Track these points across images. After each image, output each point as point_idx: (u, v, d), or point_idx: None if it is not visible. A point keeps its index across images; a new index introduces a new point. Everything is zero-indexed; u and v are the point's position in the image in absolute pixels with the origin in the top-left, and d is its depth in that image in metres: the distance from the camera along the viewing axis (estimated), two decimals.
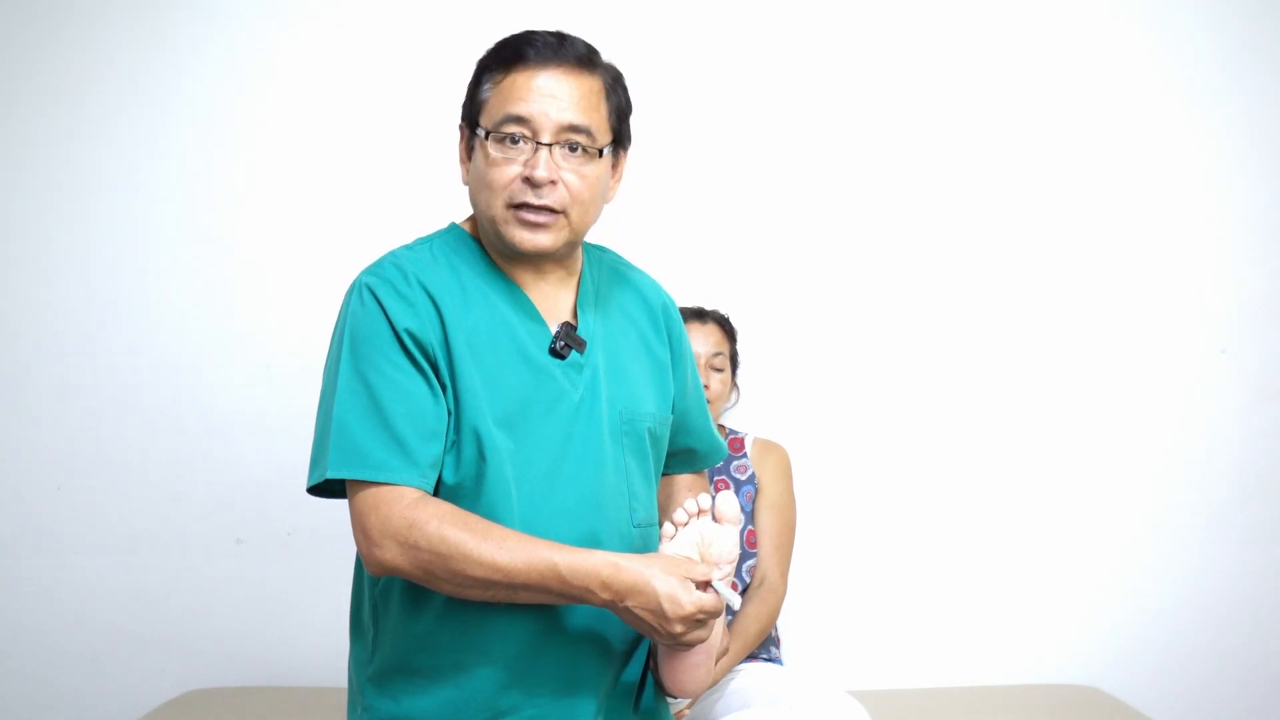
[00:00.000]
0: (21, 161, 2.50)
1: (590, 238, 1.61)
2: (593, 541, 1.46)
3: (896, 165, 2.52)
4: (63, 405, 2.49)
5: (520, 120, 1.44)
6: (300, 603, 2.47)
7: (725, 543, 1.45)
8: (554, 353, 1.51)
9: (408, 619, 1.47)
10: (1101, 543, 2.53)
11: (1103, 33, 2.53)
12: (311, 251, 2.46)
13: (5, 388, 2.50)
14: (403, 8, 2.49)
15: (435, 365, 1.45)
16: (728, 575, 1.46)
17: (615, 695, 1.54)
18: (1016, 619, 2.52)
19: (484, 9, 2.44)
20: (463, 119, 1.53)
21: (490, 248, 1.54)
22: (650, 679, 1.59)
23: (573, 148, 1.46)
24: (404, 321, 1.43)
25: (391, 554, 1.39)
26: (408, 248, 1.53)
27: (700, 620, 1.40)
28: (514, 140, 1.45)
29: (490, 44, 1.51)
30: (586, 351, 1.53)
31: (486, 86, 1.48)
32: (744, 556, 2.21)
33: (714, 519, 1.47)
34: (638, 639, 1.55)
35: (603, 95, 1.49)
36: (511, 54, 1.46)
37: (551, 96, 1.44)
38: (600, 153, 1.48)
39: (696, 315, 2.28)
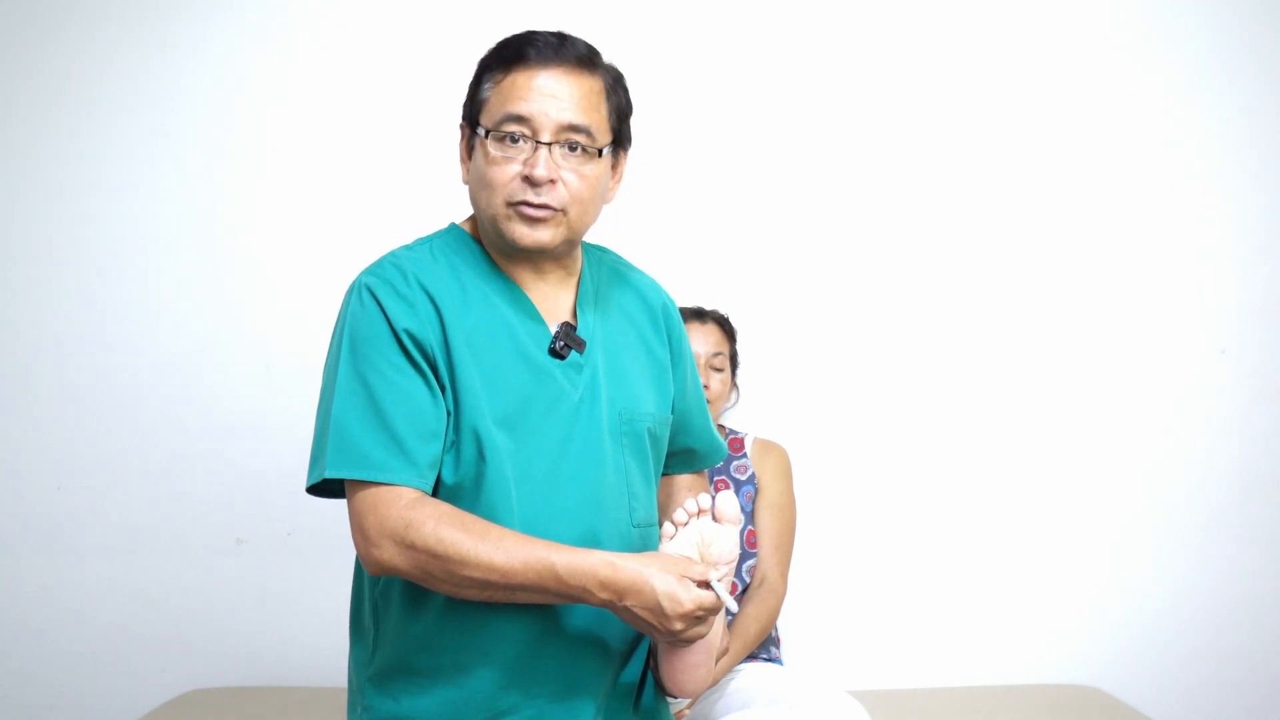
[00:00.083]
0: (22, 162, 2.50)
1: (590, 238, 1.61)
2: (592, 541, 1.46)
3: (896, 165, 2.52)
4: (63, 405, 2.49)
5: (520, 119, 1.44)
6: (300, 603, 2.47)
7: (725, 543, 1.45)
8: (553, 353, 1.51)
9: (408, 619, 1.47)
10: (1101, 543, 2.53)
11: (1103, 33, 2.53)
12: (312, 251, 2.47)
13: (5, 388, 2.50)
14: (403, 8, 2.49)
15: (434, 365, 1.45)
16: (726, 576, 1.46)
17: (615, 695, 1.54)
18: (1016, 619, 2.52)
19: (484, 9, 2.44)
20: (463, 119, 1.53)
21: (490, 247, 1.54)
22: (650, 679, 1.59)
23: (572, 147, 1.46)
24: (403, 322, 1.43)
25: (389, 554, 1.39)
26: (407, 248, 1.53)
27: (700, 617, 1.40)
28: (514, 139, 1.45)
29: (491, 44, 1.51)
30: (586, 351, 1.53)
31: (487, 86, 1.48)
32: (744, 556, 2.21)
33: (714, 519, 1.47)
34: (637, 639, 1.55)
35: (603, 95, 1.49)
36: (512, 54, 1.47)
37: (552, 96, 1.45)
38: (600, 153, 1.48)
39: (696, 315, 2.28)
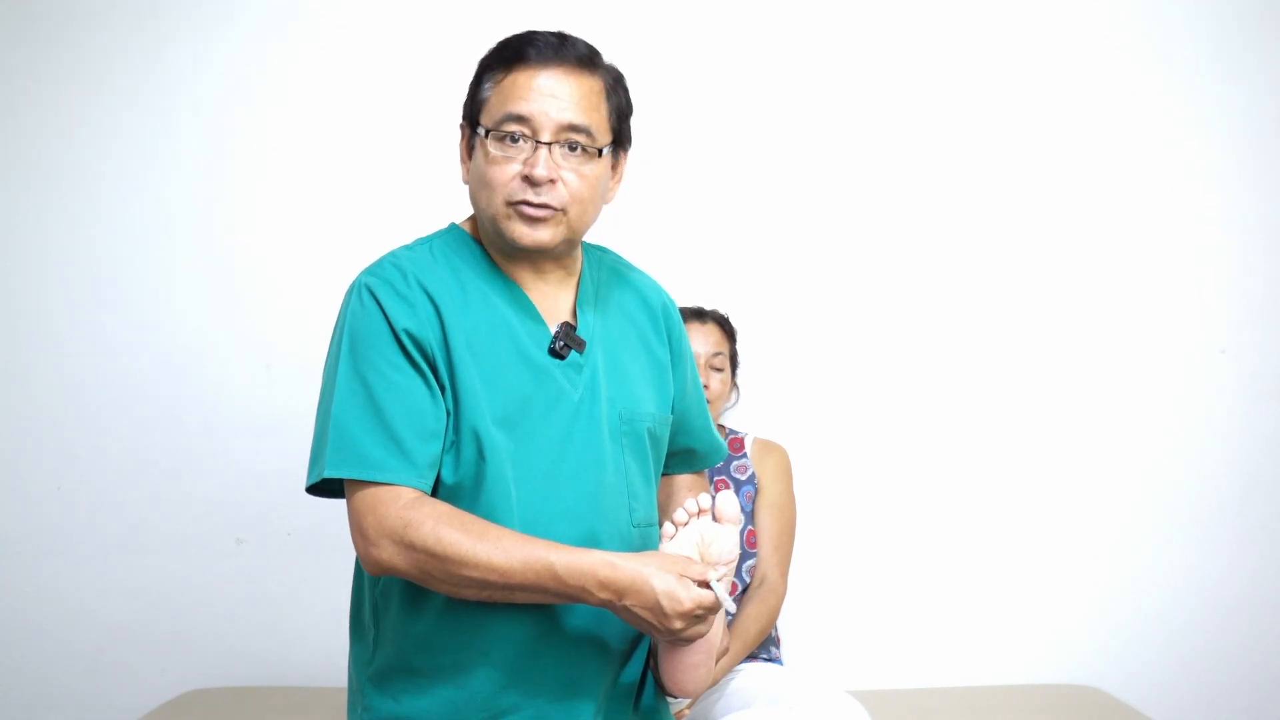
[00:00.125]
0: (23, 162, 2.50)
1: (590, 238, 1.61)
2: (592, 541, 1.46)
3: (896, 165, 2.52)
4: (63, 405, 2.49)
5: (520, 119, 1.45)
6: (300, 603, 2.47)
7: (725, 542, 1.45)
8: (553, 353, 1.51)
9: (408, 619, 1.47)
10: (1101, 543, 2.53)
11: (1103, 33, 2.53)
12: (312, 251, 2.47)
13: (6, 388, 2.50)
14: (403, 8, 2.49)
15: (434, 365, 1.45)
16: (725, 576, 1.46)
17: (615, 695, 1.54)
18: (1016, 619, 2.52)
19: (484, 9, 2.43)
20: (464, 118, 1.53)
21: (490, 246, 1.54)
22: (650, 679, 1.59)
23: (572, 147, 1.46)
24: (403, 322, 1.43)
25: (388, 554, 1.39)
26: (407, 248, 1.53)
27: (699, 616, 1.40)
28: (514, 139, 1.45)
29: (491, 44, 1.51)
30: (586, 351, 1.53)
31: (487, 85, 1.48)
32: (744, 556, 2.21)
33: (714, 519, 1.47)
34: (637, 639, 1.55)
35: (603, 96, 1.49)
36: (513, 54, 1.47)
37: (552, 96, 1.45)
38: (600, 152, 1.48)
39: (696, 315, 2.28)
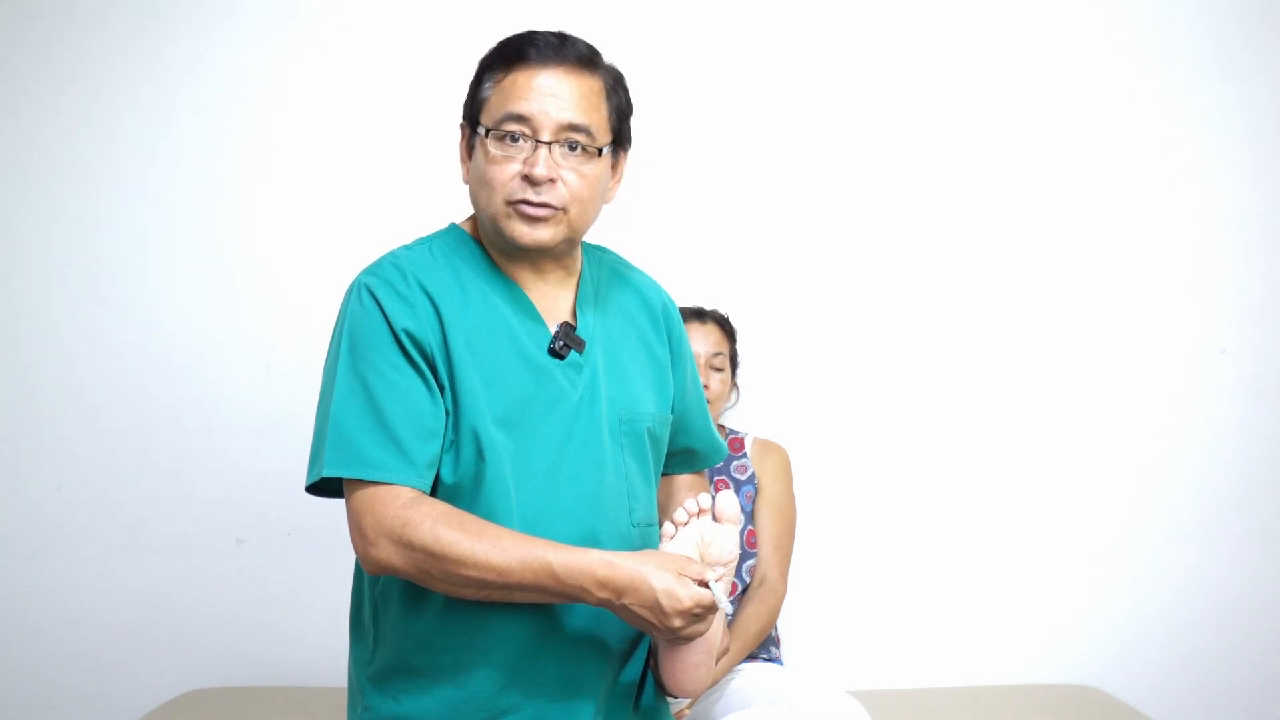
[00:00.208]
0: (23, 162, 2.50)
1: (590, 238, 1.61)
2: (592, 541, 1.46)
3: (896, 165, 2.52)
4: (63, 405, 2.49)
5: (520, 118, 1.45)
6: (300, 603, 2.47)
7: (725, 542, 1.45)
8: (553, 353, 1.51)
9: (407, 619, 1.47)
10: (1101, 542, 2.53)
11: (1103, 32, 2.53)
12: (312, 251, 2.47)
13: (5, 388, 2.50)
14: (403, 8, 2.49)
15: (433, 365, 1.45)
16: (725, 576, 1.46)
17: (615, 695, 1.54)
18: (1016, 619, 2.52)
19: (484, 9, 2.43)
20: (464, 118, 1.53)
21: (490, 246, 1.54)
22: (650, 679, 1.59)
23: (572, 146, 1.46)
24: (402, 321, 1.43)
25: (387, 553, 1.39)
26: (407, 248, 1.53)
27: (699, 615, 1.40)
28: (514, 138, 1.45)
29: (491, 44, 1.51)
30: (586, 351, 1.53)
31: (487, 85, 1.48)
32: (744, 556, 2.21)
33: (714, 519, 1.47)
34: (637, 639, 1.55)
35: (603, 95, 1.50)
36: (513, 53, 1.47)
37: (552, 95, 1.45)
38: (599, 152, 1.49)
39: (696, 315, 2.28)
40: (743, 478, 2.27)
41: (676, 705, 1.83)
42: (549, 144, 1.45)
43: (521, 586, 1.38)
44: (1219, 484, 2.53)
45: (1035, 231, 2.53)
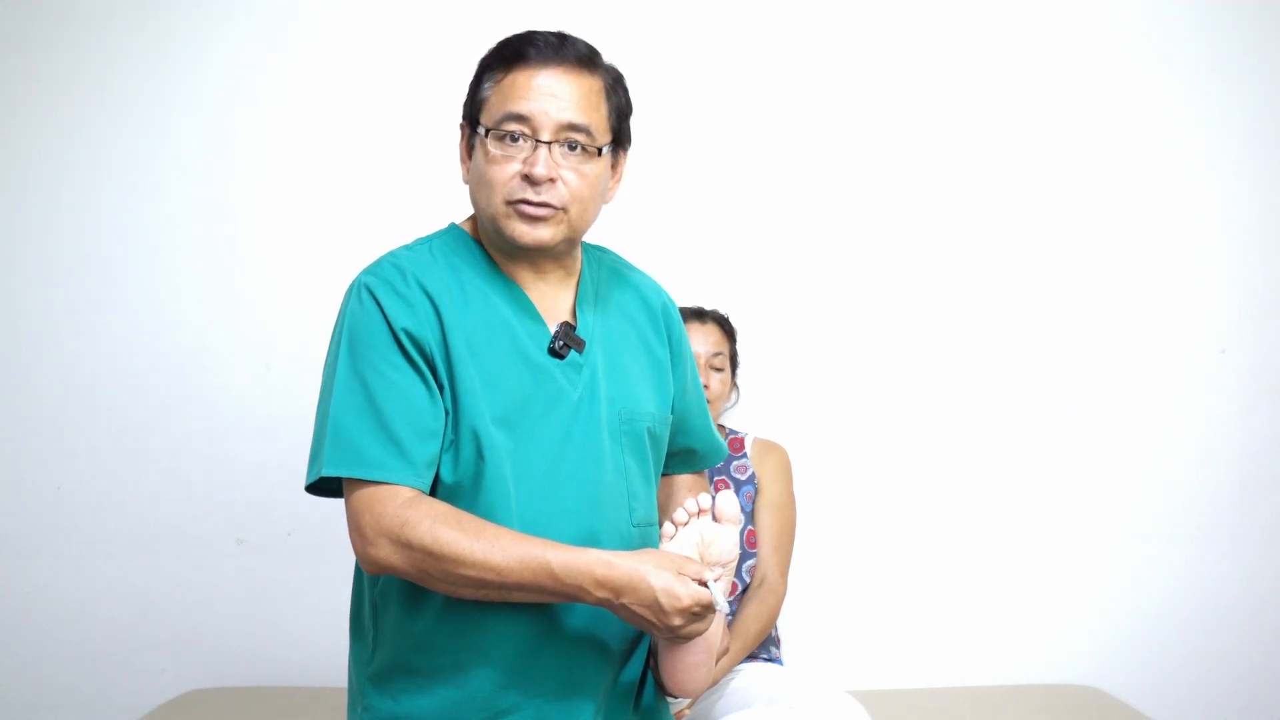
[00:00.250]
0: (23, 162, 2.50)
1: (590, 238, 1.61)
2: (591, 541, 1.46)
3: (896, 165, 2.52)
4: (63, 405, 2.49)
5: (520, 118, 1.45)
6: (300, 603, 2.47)
7: (725, 543, 1.45)
8: (553, 352, 1.51)
9: (407, 619, 1.47)
10: (1101, 542, 2.53)
11: (1103, 32, 2.53)
12: (312, 251, 2.47)
13: (5, 387, 2.50)
14: (403, 8, 2.49)
15: (433, 365, 1.45)
16: (724, 578, 1.46)
17: (615, 695, 1.54)
18: (1016, 619, 2.52)
19: (484, 9, 2.43)
20: (463, 118, 1.53)
21: (490, 246, 1.54)
22: (650, 678, 1.59)
23: (572, 146, 1.46)
24: (402, 321, 1.43)
25: (385, 553, 1.39)
26: (407, 248, 1.53)
27: (698, 614, 1.40)
28: (513, 138, 1.45)
29: (491, 44, 1.51)
30: (586, 351, 1.53)
31: (487, 85, 1.48)
32: (744, 556, 2.21)
33: (714, 519, 1.47)
34: (637, 639, 1.55)
35: (603, 95, 1.50)
36: (513, 53, 1.47)
37: (552, 95, 1.45)
38: (599, 151, 1.49)
39: (696, 315, 2.28)
40: (743, 478, 2.27)
41: (676, 705, 1.83)
42: (549, 144, 1.45)
43: (520, 586, 1.38)
44: (1219, 484, 2.53)
45: (1035, 231, 2.53)
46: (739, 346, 2.36)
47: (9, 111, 2.50)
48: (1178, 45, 2.53)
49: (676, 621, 1.38)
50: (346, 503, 1.43)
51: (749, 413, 2.45)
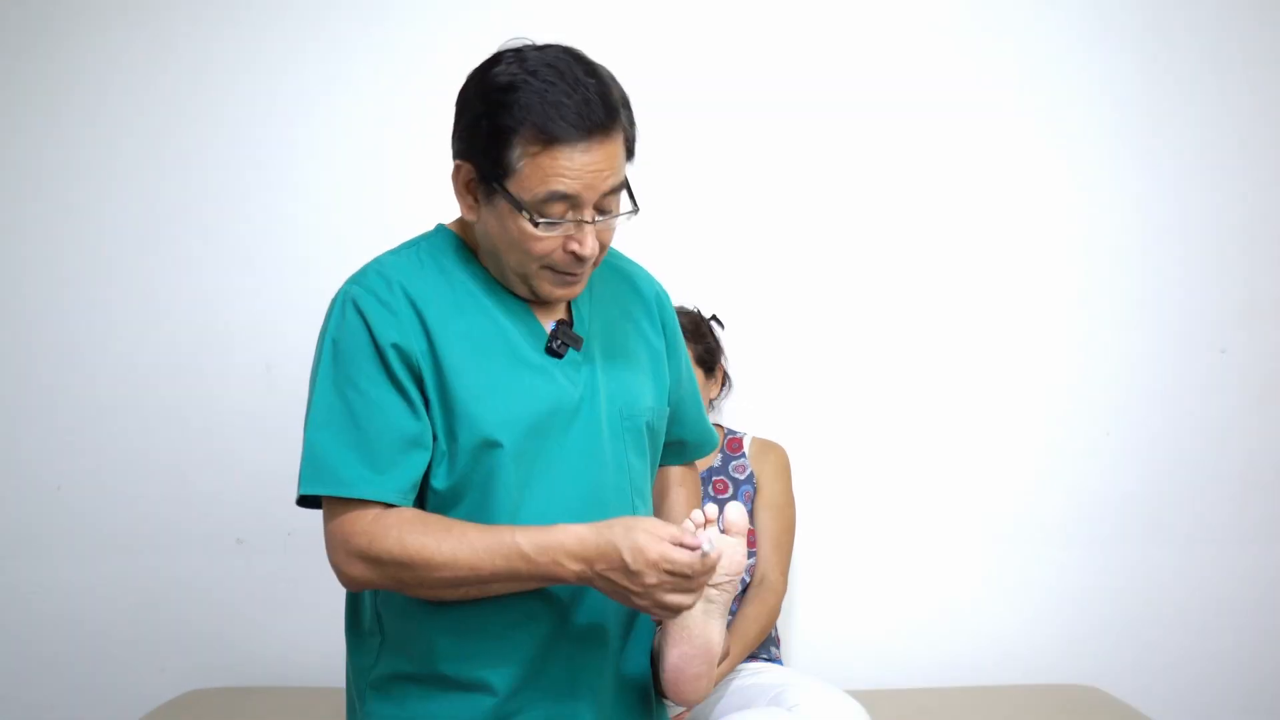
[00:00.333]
0: (23, 163, 2.50)
1: None
2: None
3: (894, 165, 2.52)
4: (63, 405, 2.49)
5: (564, 197, 1.38)
6: (300, 603, 2.47)
7: (733, 554, 1.43)
8: (551, 352, 1.50)
9: (411, 623, 1.47)
10: (1101, 542, 2.53)
11: (1100, 31, 2.52)
12: (312, 251, 2.46)
13: (5, 388, 2.50)
14: (403, 7, 2.49)
15: (420, 376, 1.43)
16: (729, 585, 1.45)
17: (616, 695, 1.54)
18: (1016, 619, 2.52)
19: (484, 8, 2.43)
20: (463, 159, 1.44)
21: (486, 257, 1.51)
22: (650, 679, 1.59)
23: (607, 210, 1.42)
24: (386, 334, 1.42)
25: (359, 570, 1.40)
26: (394, 253, 1.51)
27: (680, 583, 1.35)
28: (559, 218, 1.40)
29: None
30: (584, 348, 1.52)
31: (516, 153, 1.37)
32: None
33: (721, 530, 1.44)
34: (632, 627, 1.54)
35: (624, 142, 1.44)
36: (543, 123, 1.36)
37: (595, 172, 1.38)
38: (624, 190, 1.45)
39: None
40: (741, 477, 2.27)
41: (676, 709, 1.83)
42: (594, 219, 1.41)
43: (496, 576, 1.37)
44: (1219, 484, 2.53)
45: (1034, 231, 2.52)
46: (734, 342, 2.35)
47: (12, 112, 2.50)
48: (1177, 45, 2.53)
49: (651, 580, 1.33)
50: (323, 521, 1.43)
51: (747, 412, 2.45)
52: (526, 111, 1.36)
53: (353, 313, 1.43)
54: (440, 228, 1.56)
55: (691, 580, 1.35)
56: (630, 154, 1.45)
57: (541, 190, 1.38)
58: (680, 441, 1.72)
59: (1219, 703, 2.53)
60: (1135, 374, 2.53)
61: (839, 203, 2.51)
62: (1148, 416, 2.53)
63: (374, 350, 1.41)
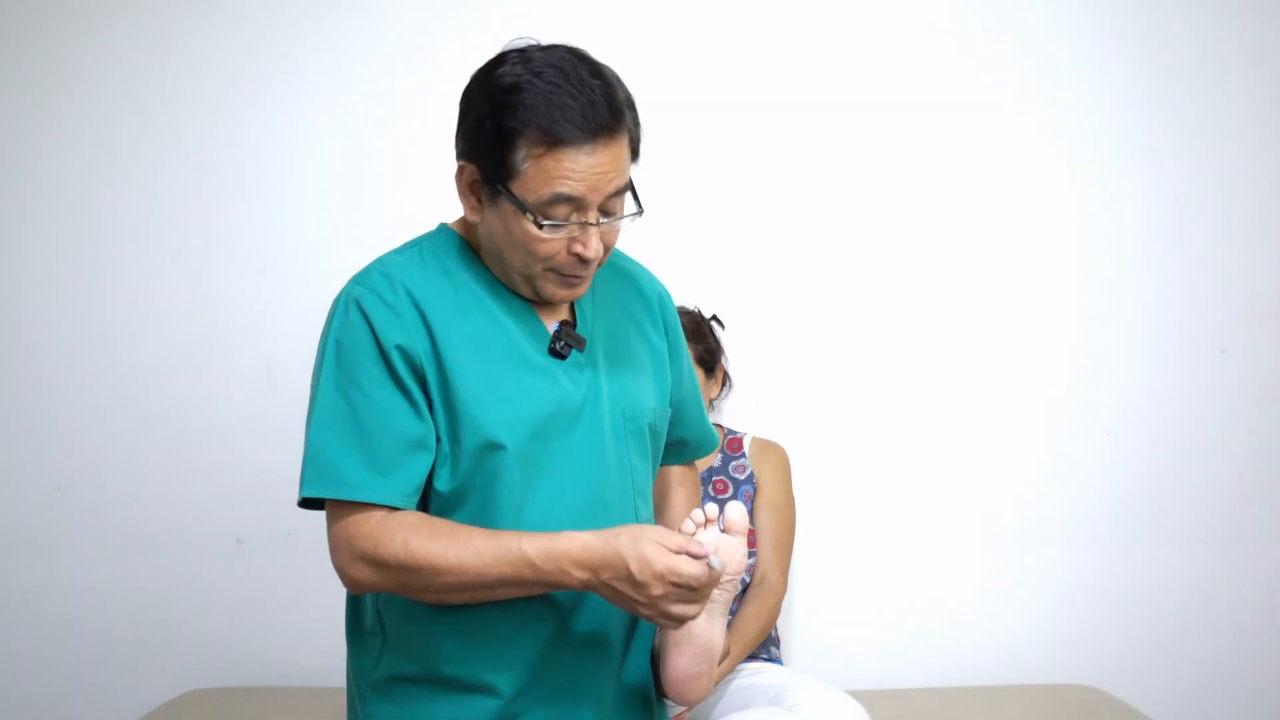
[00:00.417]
0: (23, 163, 2.50)
1: None
2: None
3: (893, 165, 2.52)
4: (63, 405, 2.49)
5: (568, 199, 1.38)
6: (300, 603, 2.47)
7: (733, 554, 1.43)
8: (554, 353, 1.49)
9: (413, 624, 1.46)
10: (1101, 542, 2.53)
11: (1100, 31, 2.52)
12: (312, 251, 2.46)
13: (5, 388, 2.50)
14: (403, 7, 2.49)
15: (423, 377, 1.42)
16: (729, 588, 1.45)
17: (618, 698, 1.54)
18: (1016, 619, 2.52)
19: (484, 8, 2.43)
20: (467, 159, 1.43)
21: (489, 258, 1.51)
22: (650, 682, 1.59)
23: (612, 212, 1.42)
24: (389, 334, 1.41)
25: (363, 574, 1.39)
26: (396, 253, 1.51)
27: (686, 594, 1.34)
28: (563, 220, 1.39)
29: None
30: (586, 349, 1.52)
31: (520, 155, 1.37)
32: None
33: (721, 530, 1.44)
34: (634, 633, 1.54)
35: (629, 144, 1.43)
36: (548, 125, 1.36)
37: (600, 174, 1.38)
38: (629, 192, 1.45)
39: None
40: (741, 477, 2.27)
41: (676, 709, 1.83)
42: (599, 218, 1.40)
43: (502, 582, 1.36)
44: (1219, 484, 2.53)
45: (1035, 231, 2.52)
46: (737, 345, 2.36)
47: (10, 113, 2.50)
48: (1177, 44, 2.53)
49: (657, 591, 1.33)
50: (326, 523, 1.42)
51: (747, 412, 2.45)
52: (531, 113, 1.35)
53: (356, 313, 1.42)
54: (442, 227, 1.56)
55: (697, 591, 1.35)
56: (635, 155, 1.44)
57: (546, 192, 1.37)
58: (681, 441, 1.72)
59: (1219, 703, 2.53)
60: (1136, 374, 2.53)
61: (839, 203, 2.51)
62: (1148, 417, 2.53)
63: (378, 351, 1.40)
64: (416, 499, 1.42)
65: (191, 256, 2.49)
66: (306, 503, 1.45)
